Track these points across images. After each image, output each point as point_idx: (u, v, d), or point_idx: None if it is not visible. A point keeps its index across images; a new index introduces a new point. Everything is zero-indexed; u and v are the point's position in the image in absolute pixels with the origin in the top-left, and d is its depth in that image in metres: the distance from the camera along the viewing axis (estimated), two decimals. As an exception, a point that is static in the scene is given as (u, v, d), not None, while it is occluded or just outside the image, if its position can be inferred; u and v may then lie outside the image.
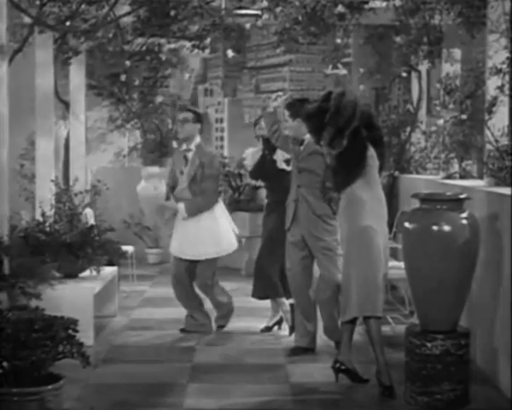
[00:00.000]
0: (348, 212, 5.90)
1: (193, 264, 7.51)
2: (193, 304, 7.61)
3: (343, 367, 5.91)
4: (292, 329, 7.21)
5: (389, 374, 5.75)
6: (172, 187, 7.63)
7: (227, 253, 7.59)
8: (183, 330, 7.57)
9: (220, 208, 7.62)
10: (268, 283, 7.34)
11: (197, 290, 7.65)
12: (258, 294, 7.46)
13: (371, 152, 5.85)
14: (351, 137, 5.76)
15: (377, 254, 5.78)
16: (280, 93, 6.93)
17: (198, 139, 7.53)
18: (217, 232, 7.48)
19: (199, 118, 7.61)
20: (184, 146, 7.59)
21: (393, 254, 7.90)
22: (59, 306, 6.30)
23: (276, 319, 7.61)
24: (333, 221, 6.59)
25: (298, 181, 6.67)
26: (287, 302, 7.36)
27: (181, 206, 7.45)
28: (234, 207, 10.45)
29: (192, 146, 7.50)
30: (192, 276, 7.57)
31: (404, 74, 10.47)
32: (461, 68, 8.94)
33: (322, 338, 6.83)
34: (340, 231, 6.20)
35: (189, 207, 7.41)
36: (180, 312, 7.83)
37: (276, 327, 7.60)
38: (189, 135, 7.51)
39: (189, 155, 7.49)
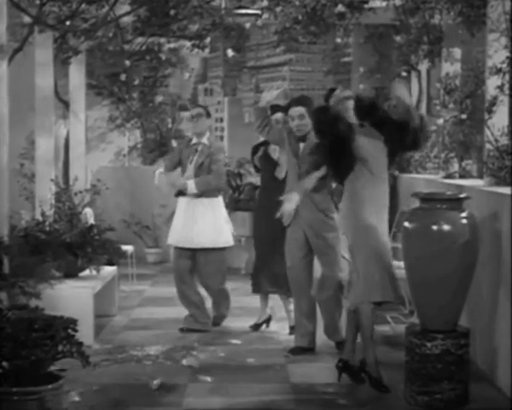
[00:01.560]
0: (348, 206, 5.93)
1: (196, 255, 7.60)
2: (193, 301, 7.64)
3: (346, 366, 5.92)
4: (292, 328, 7.21)
5: (377, 365, 5.76)
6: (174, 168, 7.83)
7: (228, 245, 7.72)
8: (182, 330, 7.57)
9: (222, 204, 7.75)
10: (275, 279, 7.39)
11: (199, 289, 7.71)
12: (265, 288, 7.52)
13: (360, 143, 5.82)
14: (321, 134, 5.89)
15: (376, 244, 5.77)
16: (274, 85, 6.89)
17: (208, 133, 7.74)
18: (223, 224, 7.65)
19: (209, 114, 7.84)
20: (195, 139, 7.68)
21: (393, 254, 7.89)
22: (59, 305, 6.31)
23: (265, 316, 7.64)
24: (335, 215, 6.59)
25: (300, 177, 6.64)
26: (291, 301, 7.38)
27: (190, 182, 7.52)
28: (234, 206, 10.45)
29: (204, 139, 7.63)
30: (193, 269, 7.65)
31: (404, 74, 10.47)
32: (461, 68, 8.94)
33: (322, 338, 6.83)
34: (341, 223, 6.23)
35: (199, 183, 7.50)
36: (180, 311, 7.83)
37: (264, 325, 7.63)
38: (202, 130, 7.66)
39: (200, 147, 7.62)
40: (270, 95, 6.73)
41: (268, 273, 7.42)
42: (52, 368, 4.84)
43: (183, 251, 7.63)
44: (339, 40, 11.38)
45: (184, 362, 6.48)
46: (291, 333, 7.22)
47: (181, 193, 7.68)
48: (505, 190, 6.03)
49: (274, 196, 7.15)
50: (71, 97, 9.81)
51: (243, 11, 10.14)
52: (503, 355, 5.71)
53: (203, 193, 7.53)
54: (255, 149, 7.69)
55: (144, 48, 11.17)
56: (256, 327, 7.62)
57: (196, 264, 7.63)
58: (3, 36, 6.45)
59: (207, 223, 7.54)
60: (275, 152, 7.39)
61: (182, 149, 7.81)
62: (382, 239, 5.82)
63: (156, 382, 5.73)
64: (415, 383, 5.49)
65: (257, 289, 7.60)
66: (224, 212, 7.74)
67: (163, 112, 12.24)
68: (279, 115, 7.30)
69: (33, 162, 8.93)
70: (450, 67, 8.93)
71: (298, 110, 6.72)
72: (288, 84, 12.07)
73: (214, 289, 7.67)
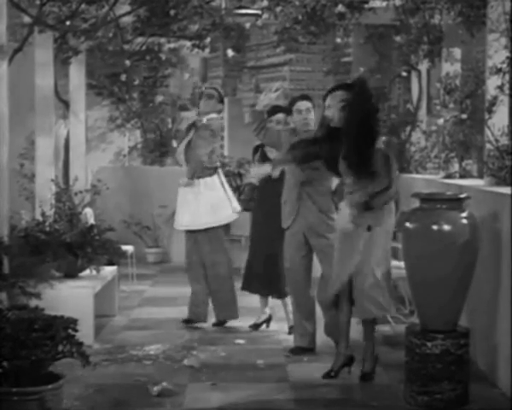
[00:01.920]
0: None
1: (197, 236, 7.70)
2: (194, 288, 7.73)
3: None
4: (291, 328, 7.21)
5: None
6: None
7: (223, 223, 7.75)
8: (185, 322, 7.66)
9: (218, 180, 7.76)
10: (268, 281, 7.43)
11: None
12: (258, 289, 7.57)
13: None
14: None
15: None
16: (272, 87, 6.89)
17: (212, 115, 7.75)
18: (214, 203, 7.66)
19: (222, 99, 7.88)
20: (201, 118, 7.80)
21: (393, 254, 7.90)
22: (59, 305, 6.29)
23: (265, 316, 7.64)
24: (335, 215, 6.61)
25: (301, 178, 6.64)
26: (289, 302, 7.41)
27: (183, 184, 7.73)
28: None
29: (204, 119, 7.71)
30: (200, 254, 7.75)
31: (404, 74, 10.47)
32: (461, 68, 8.94)
33: (322, 338, 6.83)
34: None
35: (188, 171, 7.68)
36: (180, 311, 7.83)
37: (264, 325, 7.64)
38: (207, 110, 7.74)
39: (199, 124, 7.74)
40: (268, 98, 6.72)
41: (262, 274, 7.45)
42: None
43: (186, 234, 7.80)
44: (339, 40, 11.38)
45: (185, 362, 6.48)
46: (290, 333, 7.22)
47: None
48: (505, 190, 6.03)
49: (270, 196, 7.21)
50: (71, 97, 9.81)
51: (243, 11, 10.14)
52: (503, 355, 5.71)
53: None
54: (256, 150, 7.71)
55: (144, 48, 11.17)
56: (255, 327, 7.63)
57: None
58: (3, 36, 6.44)
59: (194, 205, 7.64)
60: (272, 151, 7.41)
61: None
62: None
63: (157, 388, 5.72)
64: (415, 383, 5.49)
65: (247, 287, 7.61)
66: (218, 188, 7.72)
67: (163, 112, 12.24)
68: (280, 116, 7.30)
69: (33, 162, 8.92)
70: (451, 67, 8.93)
71: (305, 104, 6.76)
72: (288, 84, 12.06)
73: (218, 283, 7.70)
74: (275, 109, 7.33)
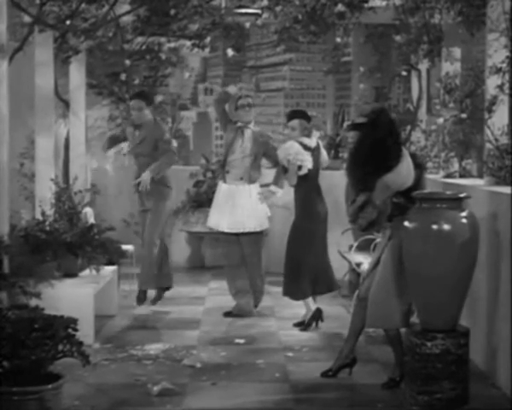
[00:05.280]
0: None
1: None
2: None
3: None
4: (308, 326, 7.47)
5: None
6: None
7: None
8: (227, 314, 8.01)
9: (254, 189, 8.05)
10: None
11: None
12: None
13: None
14: None
15: None
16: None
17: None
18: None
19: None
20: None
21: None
22: (59, 305, 6.30)
23: (311, 313, 7.64)
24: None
25: None
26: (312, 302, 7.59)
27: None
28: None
29: (251, 124, 8.06)
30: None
31: (404, 73, 10.47)
32: (461, 67, 8.94)
33: (322, 338, 6.83)
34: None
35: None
36: (180, 310, 7.83)
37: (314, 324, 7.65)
38: (252, 120, 8.12)
39: (246, 131, 8.05)
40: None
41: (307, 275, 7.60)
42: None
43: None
44: (339, 40, 11.38)
45: (185, 361, 6.48)
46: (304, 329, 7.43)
47: None
48: (505, 189, 6.04)
49: (295, 202, 7.60)
50: (71, 97, 9.80)
51: (243, 10, 10.15)
52: (503, 355, 5.71)
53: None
54: None
55: (144, 47, 11.16)
56: (304, 325, 7.61)
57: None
58: (4, 35, 6.44)
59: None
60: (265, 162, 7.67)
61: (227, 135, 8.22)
62: None
63: (157, 387, 5.72)
64: (415, 382, 5.49)
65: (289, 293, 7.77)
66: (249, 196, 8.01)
67: (163, 111, 12.23)
68: (295, 122, 7.54)
69: (33, 162, 8.92)
70: (450, 67, 8.93)
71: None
72: (288, 83, 12.07)
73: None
74: (292, 115, 7.58)
